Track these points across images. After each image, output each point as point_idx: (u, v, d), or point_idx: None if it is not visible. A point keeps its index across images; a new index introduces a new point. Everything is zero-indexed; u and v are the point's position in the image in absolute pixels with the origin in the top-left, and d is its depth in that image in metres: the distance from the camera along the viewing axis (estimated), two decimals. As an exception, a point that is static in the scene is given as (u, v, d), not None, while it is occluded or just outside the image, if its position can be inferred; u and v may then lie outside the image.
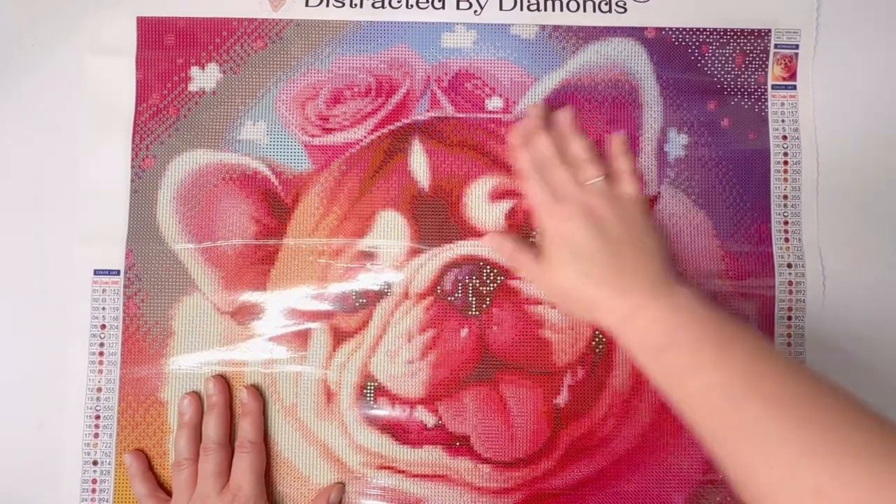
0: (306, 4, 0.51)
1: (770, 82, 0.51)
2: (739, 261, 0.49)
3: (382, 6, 0.51)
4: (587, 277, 0.43)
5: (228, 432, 0.47)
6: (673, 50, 0.50)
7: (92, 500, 0.47)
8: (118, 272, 0.49)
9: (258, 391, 0.48)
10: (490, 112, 0.50)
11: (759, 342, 0.38)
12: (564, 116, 0.49)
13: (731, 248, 0.49)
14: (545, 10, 0.51)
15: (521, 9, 0.51)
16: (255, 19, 0.51)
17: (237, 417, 0.48)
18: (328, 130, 0.50)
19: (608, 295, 0.42)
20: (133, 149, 0.50)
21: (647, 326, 0.40)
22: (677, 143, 0.50)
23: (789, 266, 0.49)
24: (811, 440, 0.32)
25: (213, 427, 0.46)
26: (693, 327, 0.39)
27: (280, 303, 0.48)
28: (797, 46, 0.51)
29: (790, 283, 0.49)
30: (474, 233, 0.49)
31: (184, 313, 0.49)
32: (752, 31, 0.51)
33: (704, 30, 0.51)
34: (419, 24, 0.51)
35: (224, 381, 0.48)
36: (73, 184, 0.50)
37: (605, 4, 0.51)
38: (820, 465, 0.31)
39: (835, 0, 0.51)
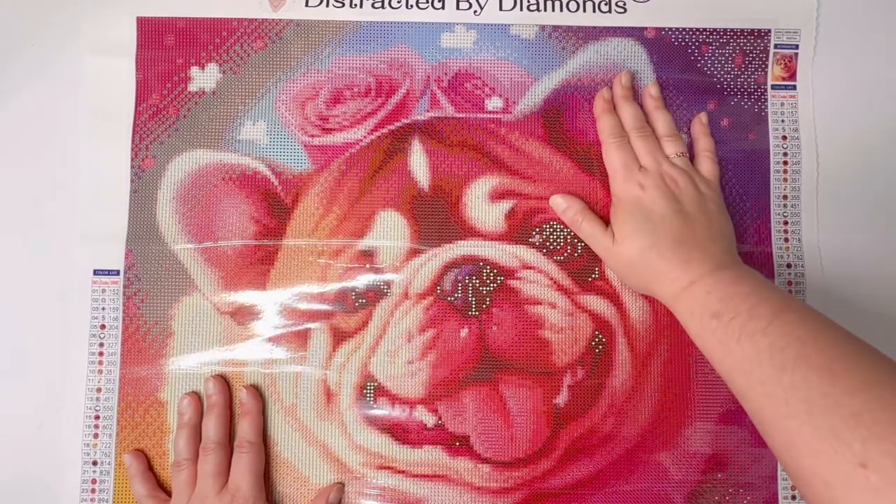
0: (306, 4, 0.51)
1: (770, 82, 0.51)
2: (739, 261, 0.49)
3: (382, 6, 0.51)
4: (654, 247, 0.43)
5: (228, 432, 0.47)
6: (673, 50, 0.51)
7: (91, 500, 0.47)
8: (118, 272, 0.49)
9: (258, 391, 0.48)
10: (490, 112, 0.50)
11: (814, 313, 0.38)
12: (653, 89, 0.50)
13: (730, 248, 0.49)
14: (545, 10, 0.51)
15: (521, 9, 0.51)
16: (255, 19, 0.51)
17: (237, 417, 0.48)
18: (328, 130, 0.50)
19: (671, 265, 0.43)
20: (133, 149, 0.50)
21: (703, 295, 0.41)
22: (677, 143, 0.50)
23: (789, 266, 0.49)
24: (859, 409, 0.32)
25: (212, 427, 0.46)
26: (749, 297, 0.39)
27: (280, 303, 0.48)
28: (797, 46, 0.51)
29: (790, 283, 0.49)
30: (474, 233, 0.49)
31: (183, 313, 0.49)
32: (752, 31, 0.51)
33: (704, 30, 0.51)
34: (419, 24, 0.51)
35: (223, 382, 0.48)
36: (73, 184, 0.50)
37: (605, 4, 0.51)
38: (866, 435, 0.31)
39: (835, 0, 0.51)
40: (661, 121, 0.49)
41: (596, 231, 0.47)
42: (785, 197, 0.50)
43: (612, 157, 0.48)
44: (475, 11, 0.51)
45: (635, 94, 0.50)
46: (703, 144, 0.49)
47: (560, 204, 0.48)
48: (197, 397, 0.48)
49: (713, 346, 0.40)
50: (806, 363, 0.35)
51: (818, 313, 0.39)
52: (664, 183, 0.45)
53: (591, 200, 0.49)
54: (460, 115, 0.50)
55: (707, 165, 0.48)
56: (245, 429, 0.47)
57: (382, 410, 0.47)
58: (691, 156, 0.49)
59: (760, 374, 0.36)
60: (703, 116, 0.50)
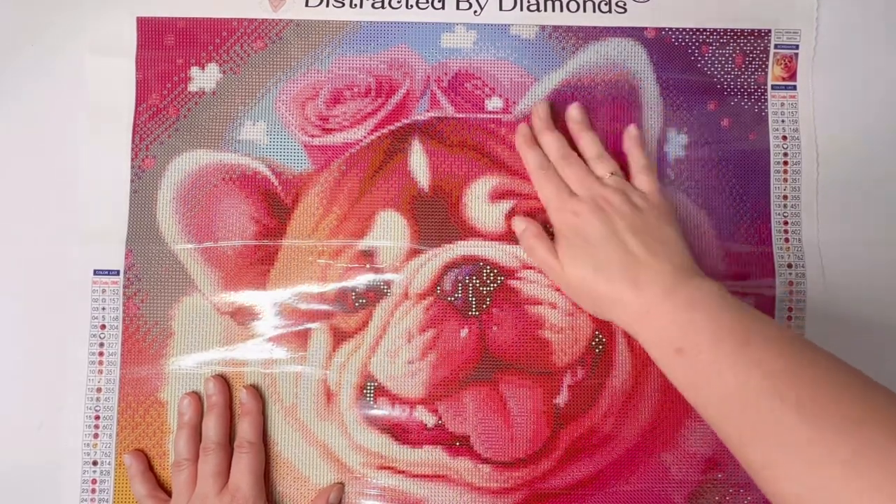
0: (306, 5, 0.51)
1: (770, 82, 0.51)
2: (739, 261, 0.49)
3: (382, 6, 0.51)
4: (598, 272, 0.42)
5: (228, 432, 0.47)
6: (673, 50, 0.50)
7: (92, 500, 0.47)
8: (118, 272, 0.49)
9: (257, 391, 0.48)
10: (490, 112, 0.50)
11: (782, 338, 0.36)
12: (574, 112, 0.49)
13: (731, 248, 0.49)
14: (545, 10, 0.51)
15: (521, 9, 0.51)
16: (255, 19, 0.51)
17: (237, 418, 0.48)
18: (328, 131, 0.50)
19: (621, 290, 0.41)
20: (133, 149, 0.50)
21: (663, 326, 0.39)
22: (677, 144, 0.50)
23: (789, 266, 0.49)
24: (836, 443, 0.30)
25: (212, 427, 0.46)
26: (710, 326, 0.37)
27: (280, 303, 0.48)
28: (797, 47, 0.51)
29: (790, 283, 0.49)
30: (474, 233, 0.49)
31: (184, 313, 0.49)
32: (752, 31, 0.51)
33: (704, 30, 0.51)
34: (419, 24, 0.51)
35: (224, 382, 0.48)
36: (73, 184, 0.50)
37: (605, 5, 0.51)
38: (863, 487, 0.29)
39: (835, 0, 0.51)
40: (588, 142, 0.48)
41: (548, 257, 0.45)
42: (785, 197, 0.50)
43: (543, 189, 0.47)
44: (475, 11, 0.51)
45: (557, 120, 0.49)
46: (636, 159, 0.48)
47: (518, 225, 0.47)
48: (197, 397, 0.48)
49: (682, 383, 0.38)
50: (781, 402, 0.33)
51: (786, 334, 0.37)
52: (598, 206, 0.44)
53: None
54: (460, 116, 0.50)
55: (642, 179, 0.46)
56: (245, 429, 0.47)
57: (382, 410, 0.47)
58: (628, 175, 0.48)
59: (730, 414, 0.35)
60: (632, 129, 0.49)
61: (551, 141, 0.48)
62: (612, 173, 0.46)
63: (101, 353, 0.48)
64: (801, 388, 0.33)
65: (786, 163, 0.50)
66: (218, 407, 0.47)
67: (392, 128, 0.50)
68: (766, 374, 0.34)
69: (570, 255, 0.44)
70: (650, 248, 0.42)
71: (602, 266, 0.42)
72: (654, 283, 0.40)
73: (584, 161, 0.47)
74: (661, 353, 0.39)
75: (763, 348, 0.36)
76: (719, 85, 0.50)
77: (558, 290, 0.48)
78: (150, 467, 0.47)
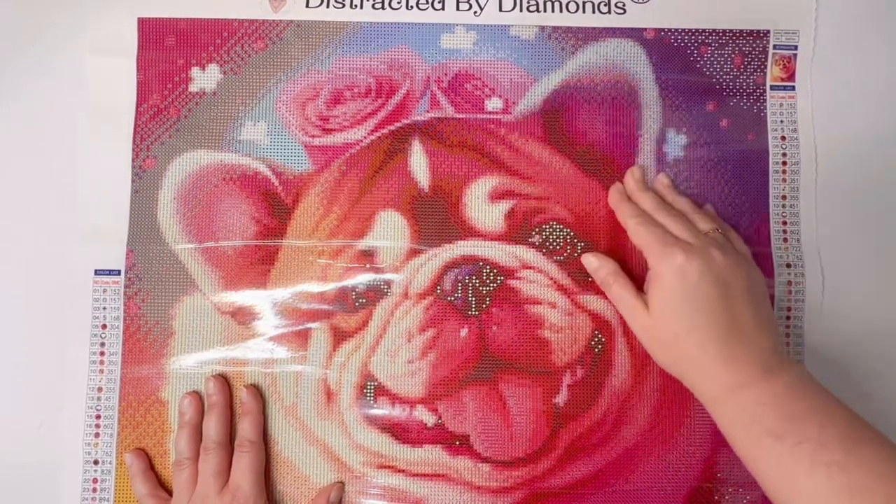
0: (306, 5, 0.51)
1: (769, 83, 0.51)
2: (738, 261, 0.49)
3: (382, 7, 0.51)
4: (692, 333, 0.39)
5: (229, 432, 0.47)
6: (672, 51, 0.51)
7: (93, 499, 0.48)
8: (119, 272, 0.49)
9: (258, 391, 0.48)
10: (490, 113, 0.50)
11: (888, 442, 0.35)
12: (664, 178, 0.48)
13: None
14: (544, 10, 0.51)
15: (521, 10, 0.51)
16: (256, 20, 0.51)
17: (237, 417, 0.48)
18: (328, 131, 0.50)
19: (712, 361, 0.38)
20: (133, 149, 0.50)
21: (755, 406, 0.36)
22: (676, 144, 0.50)
23: (788, 266, 0.49)
24: None
25: (213, 427, 0.46)
26: (813, 417, 0.35)
27: (280, 303, 0.48)
28: (796, 47, 0.51)
29: (789, 283, 0.49)
30: (474, 233, 0.49)
31: (184, 313, 0.49)
32: (751, 31, 0.51)
33: (703, 31, 0.51)
34: (419, 24, 0.51)
35: (224, 381, 0.48)
36: (74, 184, 0.50)
37: (605, 5, 0.51)
38: None
39: (833, 1, 0.51)
40: (685, 202, 0.47)
41: (626, 294, 0.43)
42: (784, 197, 0.50)
43: (643, 235, 0.43)
44: (475, 12, 0.51)
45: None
46: (729, 227, 0.47)
47: (592, 262, 0.46)
48: (198, 397, 0.48)
49: (770, 468, 0.36)
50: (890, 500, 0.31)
51: (891, 442, 0.35)
52: (709, 257, 0.40)
53: (590, 201, 0.49)
54: (460, 116, 0.50)
55: (741, 246, 0.45)
56: (245, 428, 0.47)
57: (382, 410, 0.48)
58: None
59: None
60: (708, 207, 0.49)
61: (648, 197, 0.46)
62: (715, 229, 0.43)
63: (102, 353, 0.48)
64: None
65: (784, 163, 0.50)
66: (218, 406, 0.47)
67: (392, 128, 0.50)
68: (881, 478, 0.33)
69: (664, 303, 0.40)
70: (758, 320, 0.39)
71: (700, 326, 0.39)
72: (753, 361, 0.38)
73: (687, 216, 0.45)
74: (747, 434, 0.37)
75: (874, 451, 0.34)
76: (718, 85, 0.51)
77: (558, 289, 0.48)
78: (150, 466, 0.48)
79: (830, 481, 0.33)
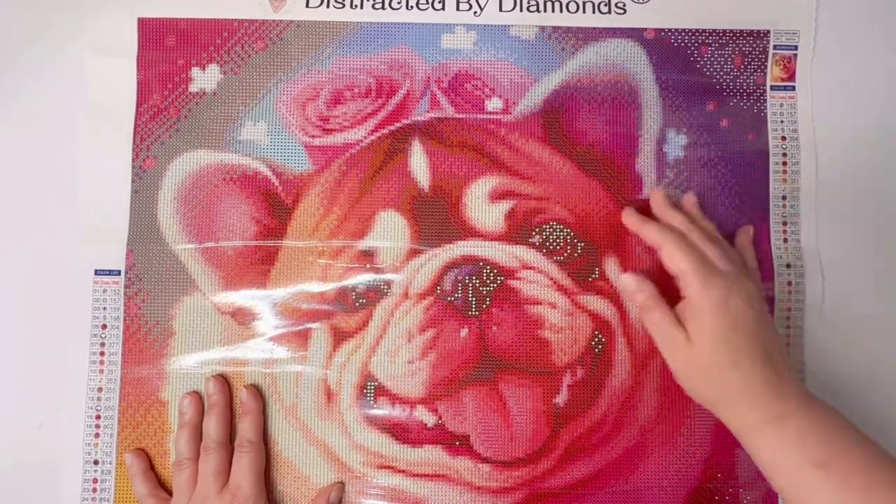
0: (307, 5, 0.51)
1: (769, 83, 0.51)
2: (738, 261, 0.49)
3: (382, 7, 0.51)
4: (737, 365, 0.39)
5: (229, 432, 0.47)
6: (672, 51, 0.51)
7: (93, 499, 0.48)
8: (119, 272, 0.49)
9: (258, 391, 0.48)
10: (490, 113, 0.50)
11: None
12: (692, 198, 0.48)
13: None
14: (545, 11, 0.51)
15: (521, 10, 0.51)
16: (256, 20, 0.51)
17: (237, 417, 0.48)
18: (328, 131, 0.50)
19: (756, 389, 0.38)
20: (134, 149, 0.50)
21: (798, 433, 0.37)
22: (676, 144, 0.50)
23: (788, 266, 0.49)
24: None
25: (213, 427, 0.46)
26: (856, 447, 0.36)
27: (280, 303, 0.48)
28: (796, 47, 0.51)
29: (789, 283, 0.49)
30: (474, 233, 0.49)
31: (184, 313, 0.49)
32: (751, 31, 0.51)
33: (703, 31, 0.51)
34: (419, 25, 0.51)
35: (224, 381, 0.48)
36: (74, 184, 0.50)
37: (605, 5, 0.51)
38: None
39: (833, 1, 0.51)
40: (711, 225, 0.47)
41: (667, 323, 0.42)
42: (784, 197, 0.50)
43: (681, 262, 0.42)
44: (475, 12, 0.51)
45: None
46: (749, 259, 0.47)
47: (630, 285, 0.45)
48: (198, 397, 0.48)
49: (817, 499, 0.36)
50: None
51: None
52: (746, 294, 0.41)
53: (590, 201, 0.49)
54: (460, 116, 0.50)
55: (756, 279, 0.46)
56: (245, 428, 0.47)
57: (383, 410, 0.48)
58: None
59: None
60: (746, 229, 0.48)
61: (680, 217, 0.45)
62: (734, 254, 0.44)
63: (102, 353, 0.48)
64: None
65: (785, 163, 0.50)
66: (218, 406, 0.47)
67: (392, 128, 0.50)
68: None
69: (709, 335, 0.40)
70: (783, 348, 0.41)
71: (744, 359, 0.39)
72: (793, 391, 0.39)
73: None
74: (792, 464, 0.37)
75: None
76: (718, 85, 0.51)
77: (559, 289, 0.48)
78: (150, 466, 0.48)
79: None
